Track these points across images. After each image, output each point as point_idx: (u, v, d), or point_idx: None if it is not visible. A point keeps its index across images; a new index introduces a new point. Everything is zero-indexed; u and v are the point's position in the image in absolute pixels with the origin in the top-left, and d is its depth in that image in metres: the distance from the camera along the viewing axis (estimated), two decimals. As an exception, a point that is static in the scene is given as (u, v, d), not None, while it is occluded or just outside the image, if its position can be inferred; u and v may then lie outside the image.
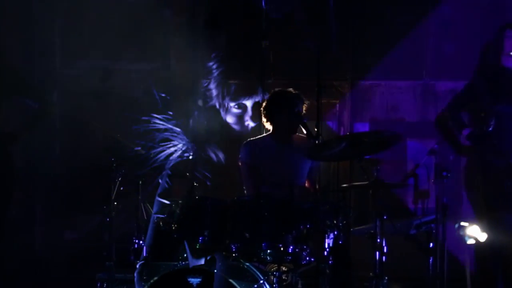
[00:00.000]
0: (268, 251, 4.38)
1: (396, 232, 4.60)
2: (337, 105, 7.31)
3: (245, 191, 5.41)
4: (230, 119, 7.02)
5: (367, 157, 4.66)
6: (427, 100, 7.11)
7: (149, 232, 4.75)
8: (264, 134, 5.54)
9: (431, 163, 4.90)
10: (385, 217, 4.46)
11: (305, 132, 5.10)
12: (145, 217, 4.87)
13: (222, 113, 6.93)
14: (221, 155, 6.17)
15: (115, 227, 4.85)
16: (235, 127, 7.05)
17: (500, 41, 5.49)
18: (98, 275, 4.83)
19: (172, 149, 5.06)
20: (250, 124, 7.05)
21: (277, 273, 4.42)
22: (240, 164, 5.44)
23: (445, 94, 6.22)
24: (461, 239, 4.81)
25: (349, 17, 7.10)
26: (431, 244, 4.72)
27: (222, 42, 6.89)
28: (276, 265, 4.47)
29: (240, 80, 7.19)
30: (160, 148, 5.02)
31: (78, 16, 7.00)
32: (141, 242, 4.77)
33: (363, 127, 7.26)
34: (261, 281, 4.50)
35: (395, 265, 4.66)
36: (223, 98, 6.88)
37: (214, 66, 6.74)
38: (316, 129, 5.19)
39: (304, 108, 5.37)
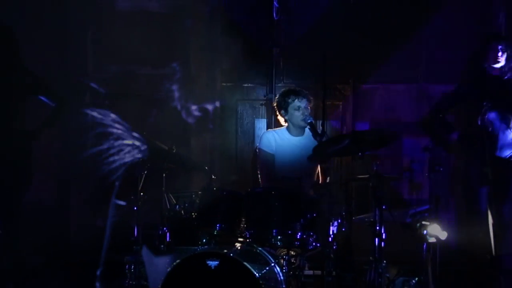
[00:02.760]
0: (279, 237, 4.61)
1: (393, 220, 4.78)
2: (341, 106, 7.51)
3: (259, 177, 5.62)
4: (191, 121, 6.95)
5: (368, 153, 4.81)
6: (421, 101, 7.24)
7: (107, 233, 5.02)
8: (282, 127, 5.83)
9: (425, 159, 5.01)
10: (383, 207, 4.64)
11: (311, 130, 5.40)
12: (168, 207, 5.09)
13: (184, 115, 6.81)
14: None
15: (141, 216, 5.03)
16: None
17: (485, 51, 5.74)
18: (127, 258, 4.99)
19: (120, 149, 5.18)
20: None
21: (286, 257, 4.66)
22: (257, 151, 5.70)
23: (438, 96, 6.24)
24: (423, 238, 4.79)
25: (351, 29, 7.28)
26: (424, 232, 4.80)
27: (238, 48, 7.04)
28: (285, 249, 4.72)
29: (253, 83, 7.50)
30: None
31: (108, 25, 7.17)
32: (164, 229, 4.99)
33: (364, 126, 7.41)
34: (272, 264, 4.68)
35: (392, 250, 4.81)
36: (186, 101, 6.76)
37: (177, 68, 6.69)
38: (321, 128, 5.56)
39: (310, 106, 5.63)
